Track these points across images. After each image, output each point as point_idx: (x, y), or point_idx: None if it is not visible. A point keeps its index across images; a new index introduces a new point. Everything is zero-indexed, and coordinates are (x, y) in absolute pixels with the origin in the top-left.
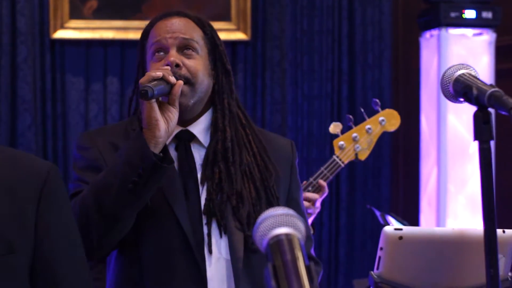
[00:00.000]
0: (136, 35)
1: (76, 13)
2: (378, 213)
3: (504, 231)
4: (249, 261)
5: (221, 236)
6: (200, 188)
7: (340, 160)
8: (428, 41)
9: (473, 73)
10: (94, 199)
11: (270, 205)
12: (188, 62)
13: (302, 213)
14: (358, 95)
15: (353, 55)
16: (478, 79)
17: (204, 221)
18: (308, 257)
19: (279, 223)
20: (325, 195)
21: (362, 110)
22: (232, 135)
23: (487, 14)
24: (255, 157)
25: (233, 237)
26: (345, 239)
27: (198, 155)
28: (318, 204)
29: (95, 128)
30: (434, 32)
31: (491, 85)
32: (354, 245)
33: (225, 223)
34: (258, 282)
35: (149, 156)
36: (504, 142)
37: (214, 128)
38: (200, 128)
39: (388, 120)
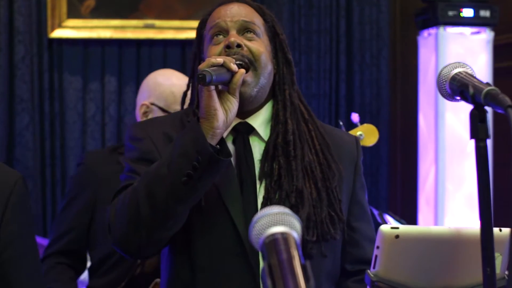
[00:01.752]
0: (133, 34)
1: (74, 12)
2: (376, 212)
3: (500, 230)
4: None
5: None
6: (258, 185)
7: None
8: (426, 39)
9: (469, 71)
10: (146, 191)
11: (332, 208)
12: (250, 43)
13: (367, 216)
14: (356, 94)
15: (351, 54)
16: (475, 77)
17: None
18: (370, 263)
19: (275, 222)
20: None
21: (341, 123)
22: (294, 128)
23: (485, 13)
24: (317, 155)
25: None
26: None
27: (257, 149)
28: None
29: (92, 127)
30: (432, 30)
31: (487, 84)
32: None
33: None
34: None
35: (206, 147)
36: (502, 140)
37: (275, 121)
38: (260, 120)
39: (366, 135)
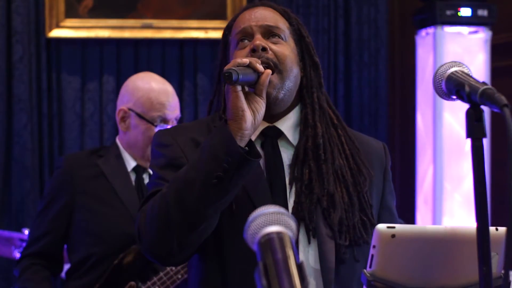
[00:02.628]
0: (131, 34)
1: (72, 12)
2: None
3: (497, 229)
4: (339, 271)
5: (309, 243)
6: (288, 189)
7: None
8: (424, 39)
9: (465, 70)
10: (176, 196)
11: (364, 213)
12: (275, 47)
13: (396, 222)
14: (354, 93)
15: (349, 54)
16: (471, 76)
17: None
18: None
19: (270, 222)
20: None
21: None
22: (323, 131)
23: (482, 12)
24: (347, 160)
25: (324, 246)
26: None
27: (286, 154)
28: None
29: (90, 127)
30: (430, 30)
31: (483, 83)
32: None
33: (314, 228)
34: None
35: (236, 148)
36: (500, 139)
37: (304, 125)
38: (288, 124)
39: None
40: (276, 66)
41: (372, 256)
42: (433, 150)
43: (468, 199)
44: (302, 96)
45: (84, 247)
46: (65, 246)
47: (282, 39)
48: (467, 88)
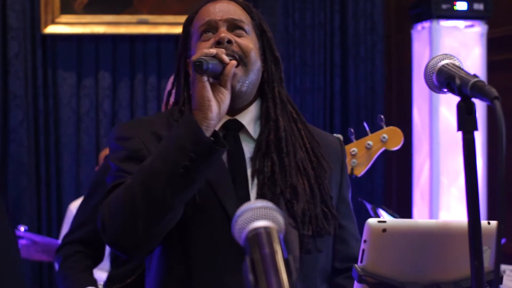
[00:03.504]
0: (127, 30)
1: (67, 8)
2: (369, 206)
3: (489, 223)
4: (302, 261)
5: None
6: (250, 182)
7: None
8: (420, 33)
9: (456, 63)
10: (142, 186)
11: (325, 204)
12: (240, 40)
13: (352, 214)
14: (350, 88)
15: (345, 48)
16: (462, 69)
17: None
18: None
19: (258, 216)
20: None
21: (365, 124)
22: (285, 125)
23: (478, 6)
24: (308, 153)
25: (288, 236)
26: None
27: (247, 147)
28: None
29: (86, 123)
30: (426, 24)
31: (474, 75)
32: None
33: None
34: (312, 284)
35: (203, 138)
36: (496, 134)
37: (266, 118)
38: (249, 118)
39: (390, 137)
40: (241, 58)
41: (363, 250)
42: (430, 144)
43: (464, 194)
44: (263, 90)
45: None
46: None
47: (246, 32)
48: (457, 81)
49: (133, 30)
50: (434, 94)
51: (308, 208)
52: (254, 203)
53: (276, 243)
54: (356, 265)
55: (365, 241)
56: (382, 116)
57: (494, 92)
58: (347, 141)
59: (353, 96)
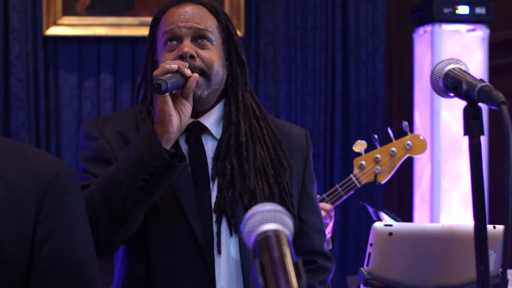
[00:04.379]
0: (129, 32)
1: (69, 10)
2: (371, 210)
3: (494, 227)
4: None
5: (231, 236)
6: (211, 183)
7: (357, 179)
8: (422, 37)
9: (463, 68)
10: (103, 195)
11: (284, 203)
12: (203, 53)
13: (316, 208)
14: (352, 91)
15: (347, 51)
16: (468, 73)
17: (214, 219)
18: (320, 253)
19: (267, 219)
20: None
21: (390, 130)
22: (246, 129)
23: (480, 10)
24: (269, 152)
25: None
26: (339, 236)
27: (210, 147)
28: (332, 213)
29: None
30: (428, 28)
31: (481, 80)
32: (348, 242)
33: (235, 222)
34: None
35: (162, 154)
36: (497, 137)
37: (227, 121)
38: (212, 119)
39: (414, 144)
40: (203, 72)
41: (369, 254)
42: (431, 148)
43: (465, 197)
44: (227, 93)
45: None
46: None
47: (210, 41)
48: (464, 86)
49: (135, 32)
50: (436, 98)
51: None
52: (263, 206)
53: (285, 246)
54: (362, 268)
55: (371, 244)
56: (406, 123)
57: (501, 97)
58: (371, 147)
59: (354, 99)
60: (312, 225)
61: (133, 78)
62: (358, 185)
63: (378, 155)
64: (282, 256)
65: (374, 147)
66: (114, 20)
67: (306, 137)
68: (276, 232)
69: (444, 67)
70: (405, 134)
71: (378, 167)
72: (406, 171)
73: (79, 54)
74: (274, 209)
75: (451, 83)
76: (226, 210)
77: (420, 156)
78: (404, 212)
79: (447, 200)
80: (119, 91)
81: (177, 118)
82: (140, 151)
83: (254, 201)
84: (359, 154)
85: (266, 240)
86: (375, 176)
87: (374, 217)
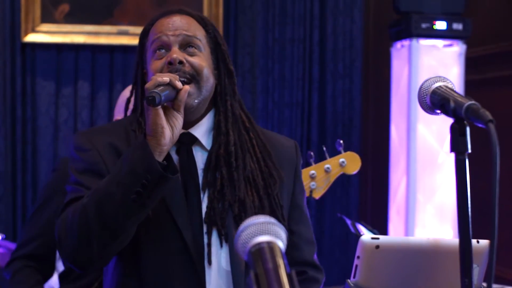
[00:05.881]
0: (107, 40)
1: (48, 17)
2: (349, 222)
3: (478, 241)
4: (248, 273)
5: (221, 246)
6: (202, 194)
7: None
8: (399, 51)
9: (450, 85)
10: (96, 208)
11: (274, 214)
12: (192, 59)
13: (306, 219)
14: (328, 103)
15: (324, 64)
16: (455, 91)
17: (205, 230)
18: (310, 264)
19: (261, 231)
20: None
21: (324, 149)
22: (235, 139)
23: (457, 26)
24: (258, 163)
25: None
26: None
27: (200, 158)
28: None
29: (64, 132)
30: (405, 42)
31: (468, 98)
32: (323, 253)
33: (226, 233)
34: None
35: (155, 167)
36: (479, 151)
37: (217, 131)
38: (202, 130)
39: (348, 162)
40: (193, 77)
41: (356, 266)
42: (407, 161)
43: (440, 211)
44: (216, 103)
45: None
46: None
47: (199, 49)
48: (452, 103)
49: (113, 41)
50: (412, 111)
51: None
52: (257, 219)
53: (279, 257)
54: (349, 280)
55: (358, 257)
56: (341, 141)
57: (488, 115)
58: (307, 164)
59: (330, 110)
60: (302, 236)
61: (110, 87)
62: None
63: (314, 172)
64: (276, 268)
65: (309, 164)
66: (93, 28)
67: (295, 149)
68: (270, 244)
69: (432, 84)
70: (339, 152)
71: (313, 183)
72: (381, 184)
73: (56, 61)
74: (267, 221)
75: (438, 100)
76: (216, 221)
77: (354, 173)
78: (379, 224)
79: (422, 213)
80: (96, 99)
81: (169, 130)
82: (133, 164)
83: (244, 211)
84: None
85: (260, 252)
86: (311, 191)
87: (352, 229)
